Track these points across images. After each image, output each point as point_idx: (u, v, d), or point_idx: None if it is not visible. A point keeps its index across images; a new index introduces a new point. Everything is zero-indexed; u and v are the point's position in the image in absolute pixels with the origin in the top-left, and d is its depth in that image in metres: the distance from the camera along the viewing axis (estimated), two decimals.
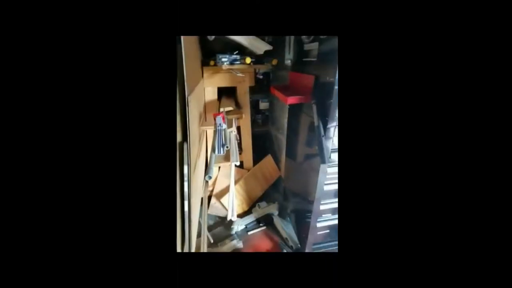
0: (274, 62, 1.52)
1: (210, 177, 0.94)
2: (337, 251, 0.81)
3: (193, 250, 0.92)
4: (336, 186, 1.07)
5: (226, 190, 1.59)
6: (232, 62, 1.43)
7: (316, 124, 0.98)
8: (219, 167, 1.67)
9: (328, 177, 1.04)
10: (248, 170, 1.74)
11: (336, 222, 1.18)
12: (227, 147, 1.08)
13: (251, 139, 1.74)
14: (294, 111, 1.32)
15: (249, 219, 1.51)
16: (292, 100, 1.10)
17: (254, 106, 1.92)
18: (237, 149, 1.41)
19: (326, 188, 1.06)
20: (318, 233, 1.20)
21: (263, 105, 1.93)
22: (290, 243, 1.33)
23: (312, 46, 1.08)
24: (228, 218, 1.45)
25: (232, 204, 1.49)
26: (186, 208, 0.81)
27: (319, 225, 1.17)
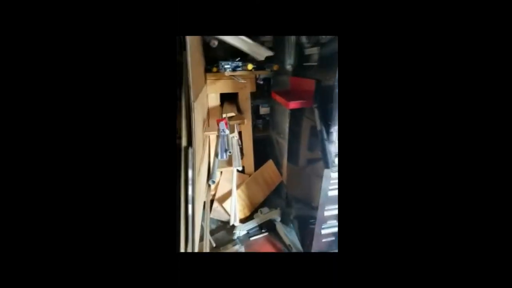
0: (276, 67, 1.54)
1: (213, 182, 0.94)
2: None
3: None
4: None
5: (228, 195, 1.58)
6: (234, 69, 1.46)
7: (318, 128, 0.98)
8: (221, 172, 1.67)
9: (332, 182, 1.02)
10: (250, 175, 1.74)
11: None
12: (229, 152, 1.09)
13: (252, 144, 1.74)
14: (296, 115, 1.32)
15: (251, 224, 1.50)
16: (294, 104, 1.11)
17: (255, 111, 1.93)
18: (239, 154, 1.41)
19: (330, 193, 1.04)
20: (323, 240, 1.17)
21: (264, 110, 1.94)
22: (294, 250, 1.32)
23: (313, 51, 1.09)
24: (231, 223, 1.44)
25: (235, 209, 1.49)
26: (190, 211, 0.81)
27: (323, 232, 1.15)
